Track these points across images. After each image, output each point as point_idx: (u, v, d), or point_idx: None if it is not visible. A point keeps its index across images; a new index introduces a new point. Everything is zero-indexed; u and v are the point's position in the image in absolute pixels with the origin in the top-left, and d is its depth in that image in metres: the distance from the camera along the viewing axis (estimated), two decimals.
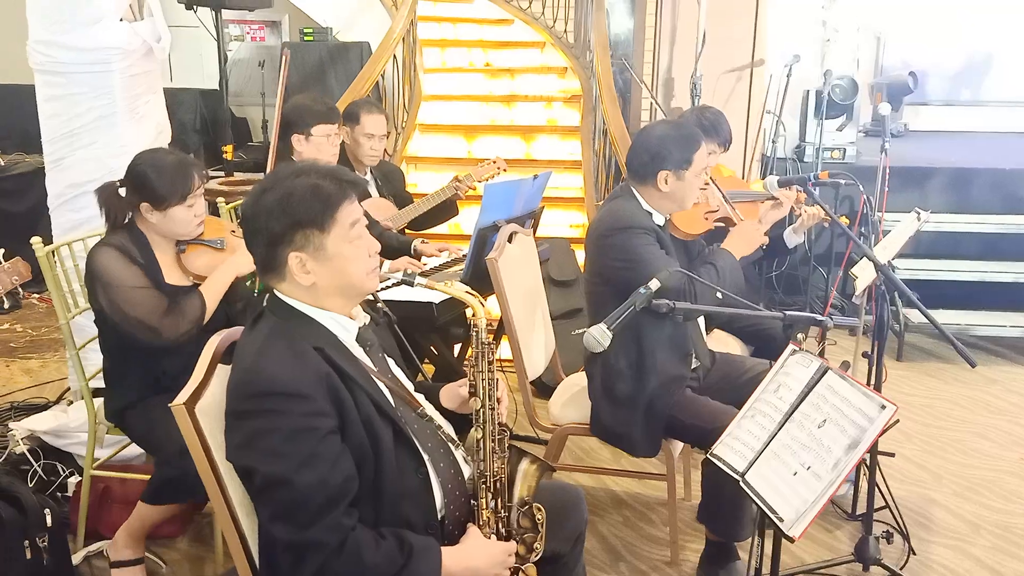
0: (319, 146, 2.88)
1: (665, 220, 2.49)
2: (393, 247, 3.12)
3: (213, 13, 5.27)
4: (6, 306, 2.09)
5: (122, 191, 2.27)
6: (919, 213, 2.87)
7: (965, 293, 4.69)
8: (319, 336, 1.53)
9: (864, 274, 2.64)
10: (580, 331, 1.85)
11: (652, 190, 2.40)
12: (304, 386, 1.43)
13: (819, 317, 1.86)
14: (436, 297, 2.70)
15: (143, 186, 2.21)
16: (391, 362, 1.71)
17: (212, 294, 2.27)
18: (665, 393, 2.38)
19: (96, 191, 2.29)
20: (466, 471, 1.67)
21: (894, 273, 2.41)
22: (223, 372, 1.56)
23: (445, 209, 3.46)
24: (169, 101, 3.09)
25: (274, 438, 1.41)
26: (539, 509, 1.67)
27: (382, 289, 2.64)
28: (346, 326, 1.59)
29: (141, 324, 2.19)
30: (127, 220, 2.31)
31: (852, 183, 2.90)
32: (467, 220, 4.42)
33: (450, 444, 1.67)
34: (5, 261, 2.05)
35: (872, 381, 2.60)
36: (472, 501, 1.65)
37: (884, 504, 2.72)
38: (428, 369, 3.15)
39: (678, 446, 2.55)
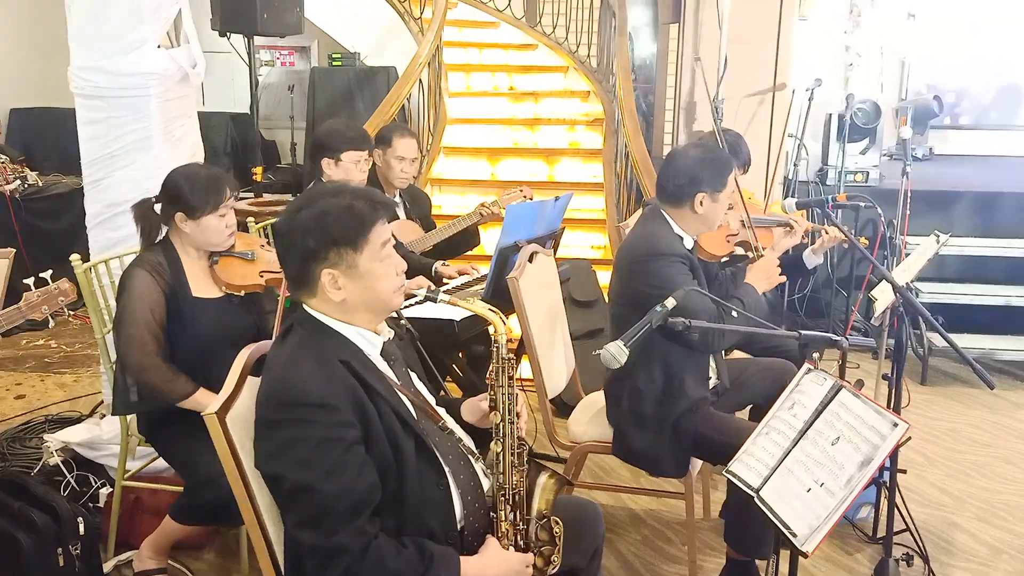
0: (348, 171, 2.96)
1: (694, 243, 2.53)
2: (414, 267, 3.19)
3: (246, 39, 5.40)
4: (51, 325, 2.19)
5: (157, 207, 2.36)
6: (939, 236, 2.88)
7: (991, 317, 4.66)
8: (346, 350, 1.58)
9: (883, 296, 2.66)
10: (599, 351, 1.89)
11: (686, 212, 2.44)
12: (331, 397, 1.49)
13: (834, 337, 1.88)
14: (457, 315, 2.76)
15: (178, 197, 2.30)
16: (414, 376, 1.77)
17: (200, 404, 2.26)
18: (690, 414, 2.41)
19: (132, 207, 2.38)
20: (485, 483, 1.71)
21: (914, 296, 2.42)
22: (253, 383, 1.62)
23: (467, 238, 3.51)
24: (202, 124, 3.18)
25: (302, 447, 1.46)
26: (557, 523, 1.71)
27: (406, 306, 2.70)
28: (371, 340, 1.64)
29: (128, 350, 2.26)
30: (161, 237, 2.39)
31: (871, 205, 2.93)
32: (489, 241, 4.48)
33: (470, 456, 1.71)
34: (52, 282, 2.14)
35: (892, 402, 2.61)
36: (491, 513, 1.69)
37: (905, 527, 2.71)
38: (452, 388, 3.19)
39: (696, 465, 2.57)
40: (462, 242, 3.53)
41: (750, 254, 2.75)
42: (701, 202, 2.41)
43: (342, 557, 1.45)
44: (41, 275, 2.14)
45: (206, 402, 2.22)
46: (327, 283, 1.56)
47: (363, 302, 1.60)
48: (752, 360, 2.85)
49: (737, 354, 3.08)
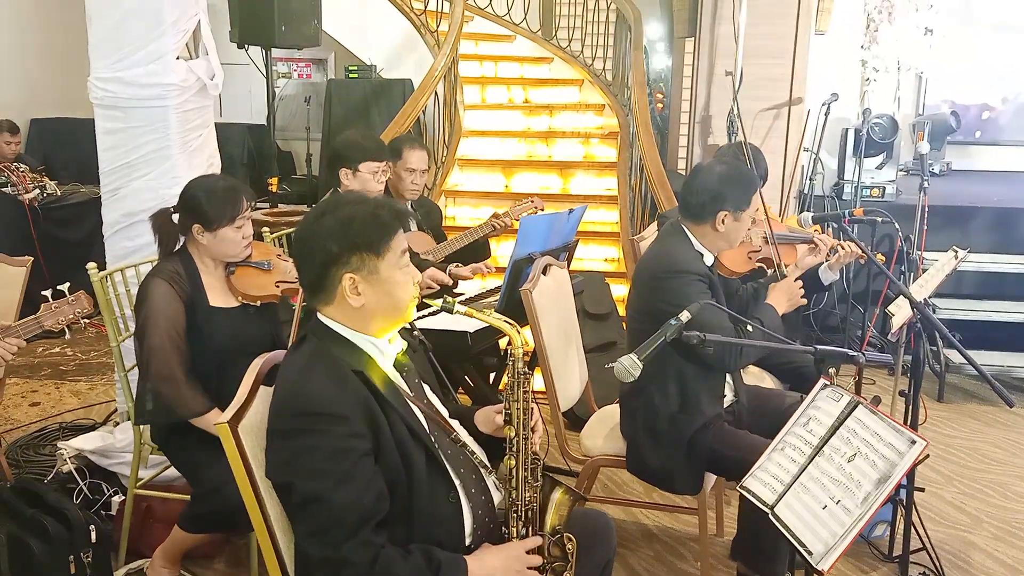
0: (365, 182, 2.97)
1: (714, 260, 2.51)
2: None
3: (263, 51, 5.45)
4: (67, 336, 2.21)
5: (175, 216, 2.37)
6: (957, 251, 2.86)
7: (1009, 334, 4.60)
8: (358, 360, 1.58)
9: (900, 311, 2.64)
10: (612, 364, 1.88)
11: (708, 229, 2.43)
12: (344, 407, 1.49)
13: (851, 352, 1.86)
14: (470, 326, 2.75)
15: (196, 209, 2.31)
16: (426, 388, 1.76)
17: (207, 424, 2.25)
18: (704, 430, 2.40)
19: (151, 217, 2.40)
20: (496, 498, 1.70)
21: (932, 312, 2.40)
22: (265, 393, 1.62)
23: (477, 250, 3.50)
24: (219, 135, 3.20)
25: (314, 457, 1.46)
26: (570, 539, 1.69)
27: (419, 317, 2.70)
28: (384, 351, 1.64)
29: (147, 360, 2.26)
30: (179, 247, 2.40)
31: (888, 220, 2.90)
32: (503, 253, 4.48)
33: (482, 470, 1.70)
34: (69, 295, 2.16)
35: (908, 419, 2.58)
36: (503, 529, 1.68)
37: (921, 546, 2.68)
38: (464, 400, 3.18)
39: (710, 480, 2.54)
40: (474, 254, 3.52)
41: (770, 271, 2.73)
42: (723, 220, 2.39)
43: (351, 569, 1.45)
44: (59, 287, 2.15)
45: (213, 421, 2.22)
46: (347, 288, 1.57)
47: (381, 309, 1.60)
48: (779, 393, 2.80)
49: (764, 377, 3.04)
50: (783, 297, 2.51)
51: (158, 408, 2.29)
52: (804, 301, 2.59)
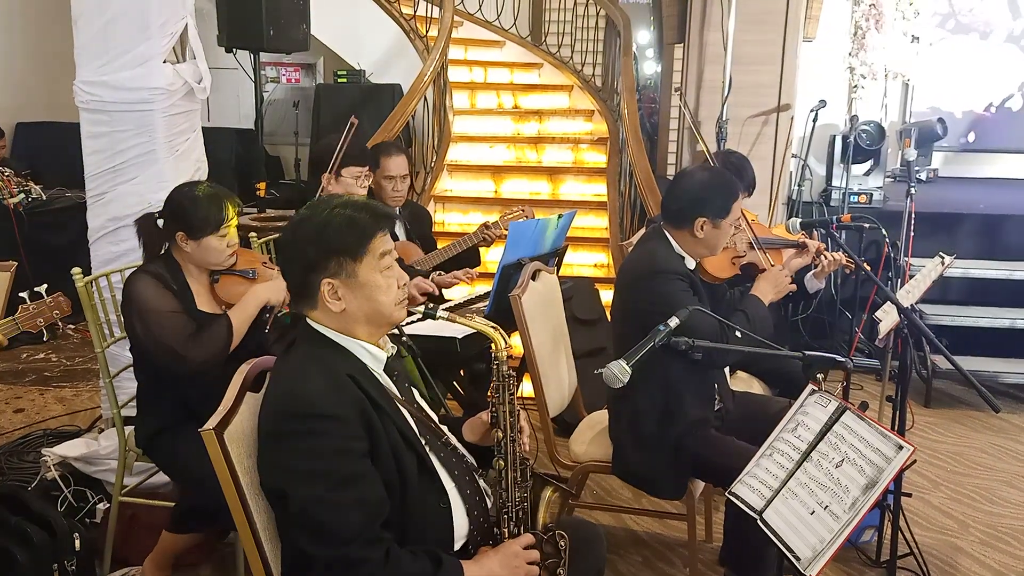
0: (347, 187, 2.95)
1: (696, 264, 2.51)
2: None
3: (251, 56, 5.43)
4: (46, 338, 2.18)
5: (160, 222, 2.36)
6: (943, 257, 2.87)
7: (995, 340, 4.64)
8: (351, 364, 1.58)
9: (887, 317, 2.65)
10: (601, 370, 1.87)
11: (686, 235, 2.43)
12: (340, 409, 1.49)
13: (839, 358, 1.87)
14: (459, 332, 2.74)
15: (180, 216, 2.29)
16: (415, 393, 1.76)
17: (240, 321, 2.30)
18: (690, 435, 2.39)
19: (136, 221, 2.39)
20: (488, 500, 1.70)
21: (919, 318, 2.41)
22: (252, 399, 1.61)
23: (468, 257, 3.47)
24: (206, 139, 3.18)
25: (314, 459, 1.46)
26: (563, 536, 1.69)
27: (406, 324, 2.69)
28: (375, 355, 1.64)
29: (169, 349, 2.23)
30: (164, 250, 2.38)
31: (875, 227, 2.91)
32: (493, 258, 4.47)
33: (474, 472, 1.71)
34: (47, 296, 2.14)
35: (896, 424, 2.59)
36: (495, 529, 1.67)
37: (909, 551, 2.68)
38: (452, 406, 3.17)
39: (699, 486, 2.54)
40: (463, 263, 3.48)
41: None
42: (702, 227, 2.39)
43: (361, 568, 1.44)
44: (36, 289, 2.13)
45: (247, 310, 2.30)
46: (327, 293, 1.56)
47: (363, 313, 1.59)
48: (767, 399, 2.80)
49: (753, 383, 3.04)
50: (768, 285, 2.51)
51: (203, 374, 2.24)
52: (793, 287, 2.58)
